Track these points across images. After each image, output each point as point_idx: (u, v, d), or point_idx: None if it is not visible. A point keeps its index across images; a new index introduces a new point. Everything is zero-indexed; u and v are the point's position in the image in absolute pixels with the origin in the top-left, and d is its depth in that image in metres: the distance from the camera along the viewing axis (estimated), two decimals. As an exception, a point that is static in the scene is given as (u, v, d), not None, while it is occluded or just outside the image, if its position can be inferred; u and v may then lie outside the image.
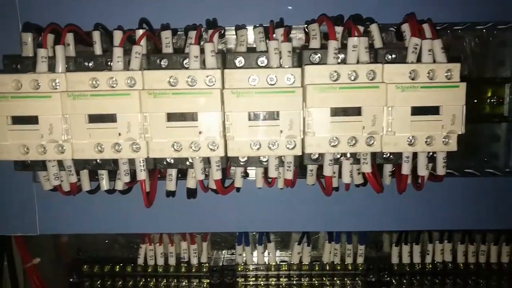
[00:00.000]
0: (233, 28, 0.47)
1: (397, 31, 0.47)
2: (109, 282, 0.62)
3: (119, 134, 0.40)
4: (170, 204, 0.48)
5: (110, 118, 0.40)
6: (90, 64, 0.43)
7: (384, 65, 0.40)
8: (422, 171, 0.43)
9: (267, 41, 0.43)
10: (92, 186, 0.46)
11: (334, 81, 0.40)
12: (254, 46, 0.45)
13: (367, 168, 0.43)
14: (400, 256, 0.61)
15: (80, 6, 0.48)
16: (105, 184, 0.45)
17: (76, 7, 0.48)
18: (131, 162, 0.43)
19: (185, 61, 0.43)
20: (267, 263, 0.62)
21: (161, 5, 0.47)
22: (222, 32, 0.47)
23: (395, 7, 0.47)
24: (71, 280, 0.62)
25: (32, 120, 0.40)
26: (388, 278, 0.62)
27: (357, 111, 0.41)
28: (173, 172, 0.45)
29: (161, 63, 0.43)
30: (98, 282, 0.62)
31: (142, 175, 0.42)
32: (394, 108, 0.40)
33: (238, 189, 0.47)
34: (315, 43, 0.43)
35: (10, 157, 0.41)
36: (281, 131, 0.41)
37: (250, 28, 0.47)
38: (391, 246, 0.62)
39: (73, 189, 0.45)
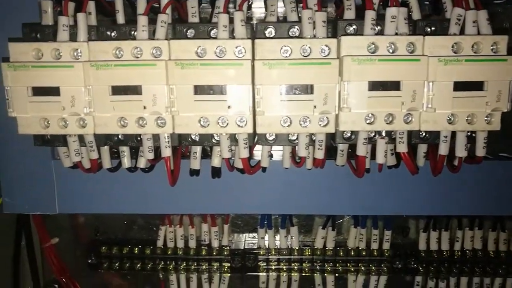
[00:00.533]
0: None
1: (434, 4, 0.45)
2: (127, 264, 0.61)
3: (144, 107, 0.38)
4: (193, 184, 0.46)
5: (134, 90, 0.38)
6: (113, 34, 0.41)
7: (425, 37, 0.38)
8: (461, 152, 0.41)
9: (298, 10, 0.41)
10: (112, 164, 0.44)
11: (372, 53, 0.38)
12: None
13: (403, 148, 0.41)
14: (428, 242, 0.59)
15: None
16: (126, 161, 0.43)
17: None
18: (155, 138, 0.41)
19: (212, 31, 0.40)
20: (289, 247, 0.60)
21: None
22: (250, 3, 0.45)
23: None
24: (89, 261, 0.61)
25: (53, 91, 0.38)
26: (415, 265, 0.60)
27: (395, 86, 0.38)
28: (197, 149, 0.43)
29: (187, 33, 0.41)
30: (117, 264, 0.61)
31: (167, 151, 0.40)
32: (436, 83, 0.38)
33: (264, 169, 0.45)
34: (350, 14, 0.41)
35: (30, 130, 0.39)
36: (314, 106, 0.38)
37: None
38: (418, 232, 0.60)
39: (94, 166, 0.43)
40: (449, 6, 0.40)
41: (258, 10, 0.50)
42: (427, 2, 0.47)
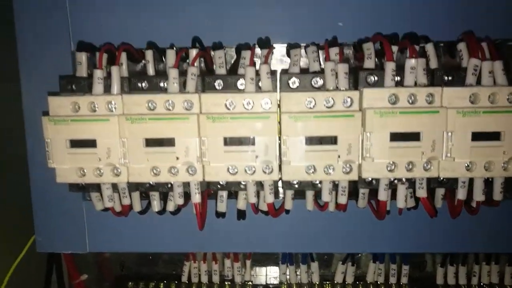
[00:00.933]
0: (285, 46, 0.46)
1: (449, 48, 0.47)
2: (153, 300, 0.63)
3: (177, 158, 0.40)
4: (218, 223, 0.48)
5: (168, 141, 0.40)
6: (144, 84, 0.43)
7: (443, 89, 0.40)
8: (479, 196, 0.42)
9: (320, 55, 0.43)
10: (142, 205, 0.46)
11: (392, 104, 0.40)
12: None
13: (422, 193, 0.42)
14: (445, 277, 0.60)
15: (130, 22, 0.47)
16: (156, 205, 0.45)
17: (125, 23, 0.47)
18: (184, 184, 0.43)
19: (239, 82, 0.42)
20: (310, 281, 0.61)
21: (211, 22, 0.47)
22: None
23: (440, 21, 0.46)
24: (116, 296, 0.63)
25: (90, 143, 0.40)
26: (433, 299, 0.61)
27: (415, 136, 0.40)
28: (224, 193, 0.45)
29: (215, 84, 0.42)
30: (143, 299, 0.63)
31: (197, 198, 0.42)
32: (455, 133, 0.39)
33: (287, 211, 0.47)
34: (370, 63, 0.43)
35: (67, 180, 0.41)
36: (339, 156, 0.40)
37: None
38: (435, 266, 0.61)
39: (125, 211, 0.45)
40: (465, 55, 0.42)
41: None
42: (442, 44, 0.49)
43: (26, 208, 0.50)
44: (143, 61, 0.49)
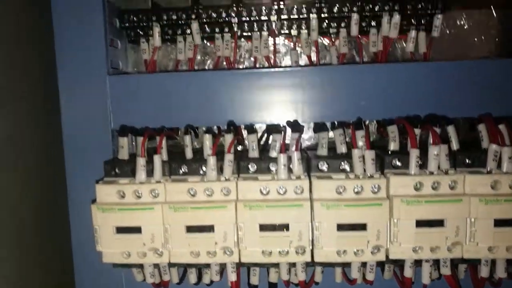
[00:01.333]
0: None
1: (470, 124, 0.49)
2: None
3: (216, 243, 0.43)
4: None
5: (207, 227, 0.43)
6: (183, 169, 0.46)
7: (465, 176, 0.42)
8: (501, 273, 0.45)
9: (346, 141, 0.47)
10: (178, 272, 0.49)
11: (417, 190, 0.42)
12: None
13: (446, 271, 0.45)
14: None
15: (166, 107, 0.50)
16: (193, 278, 0.48)
17: (159, 104, 0.50)
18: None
19: (271, 164, 0.45)
20: None
21: (241, 104, 0.50)
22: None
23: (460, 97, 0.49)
24: None
25: (135, 229, 0.43)
26: None
27: (440, 222, 0.42)
28: (257, 268, 0.48)
29: (249, 166, 0.45)
30: None
31: (233, 276, 0.45)
32: (477, 220, 0.42)
33: (317, 283, 0.49)
34: (395, 145, 0.45)
35: (113, 261, 0.44)
36: (368, 241, 0.42)
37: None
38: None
39: (165, 285, 0.47)
40: (484, 136, 0.45)
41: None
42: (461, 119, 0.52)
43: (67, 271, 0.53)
44: (178, 137, 0.53)
